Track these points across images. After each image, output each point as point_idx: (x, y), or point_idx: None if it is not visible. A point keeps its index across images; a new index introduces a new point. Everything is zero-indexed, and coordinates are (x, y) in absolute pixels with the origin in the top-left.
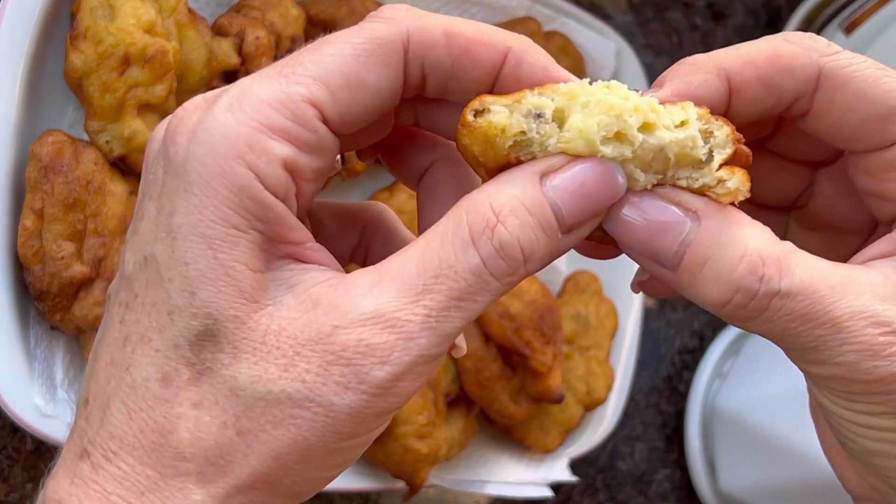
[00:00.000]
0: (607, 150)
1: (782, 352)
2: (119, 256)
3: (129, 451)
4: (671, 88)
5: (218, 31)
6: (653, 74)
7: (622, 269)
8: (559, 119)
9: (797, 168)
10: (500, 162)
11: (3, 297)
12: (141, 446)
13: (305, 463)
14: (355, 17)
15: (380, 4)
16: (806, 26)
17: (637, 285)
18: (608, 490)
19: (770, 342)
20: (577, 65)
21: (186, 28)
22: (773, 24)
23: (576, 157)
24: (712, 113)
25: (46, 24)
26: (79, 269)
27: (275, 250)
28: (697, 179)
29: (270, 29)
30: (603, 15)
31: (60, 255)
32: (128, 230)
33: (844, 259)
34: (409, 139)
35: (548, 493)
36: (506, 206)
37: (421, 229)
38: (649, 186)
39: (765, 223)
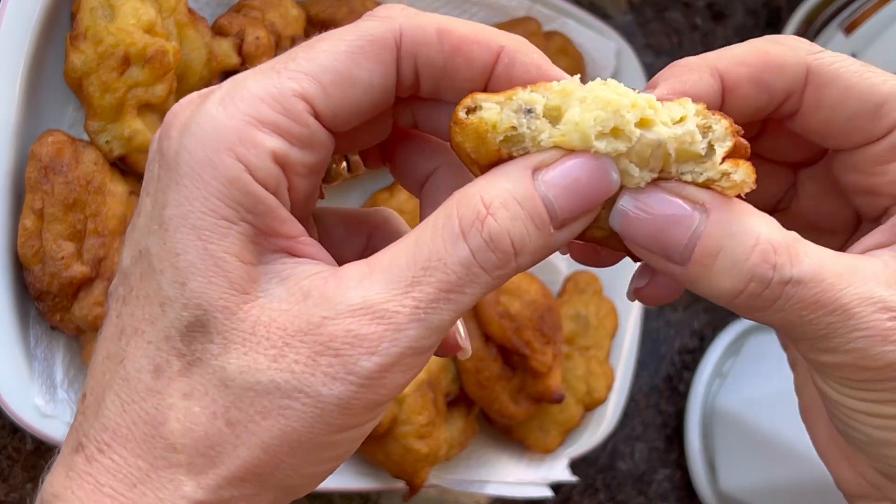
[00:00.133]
0: (601, 145)
1: (782, 351)
2: (119, 256)
3: (122, 442)
4: (667, 87)
5: (218, 31)
6: (653, 74)
7: (622, 270)
8: (552, 117)
9: (780, 170)
10: (492, 159)
11: (3, 297)
12: (133, 438)
13: (296, 455)
14: (355, 17)
15: (379, 4)
16: (806, 26)
17: (633, 293)
18: (608, 490)
19: (768, 344)
20: (577, 65)
21: (186, 28)
22: (773, 24)
23: (569, 151)
24: (709, 108)
25: (46, 24)
26: (79, 269)
27: (267, 244)
28: (701, 174)
29: (270, 29)
30: (603, 15)
31: (60, 255)
32: (127, 228)
33: None
34: (411, 144)
35: (548, 493)
36: (496, 198)
37: None
38: (643, 184)
39: None
